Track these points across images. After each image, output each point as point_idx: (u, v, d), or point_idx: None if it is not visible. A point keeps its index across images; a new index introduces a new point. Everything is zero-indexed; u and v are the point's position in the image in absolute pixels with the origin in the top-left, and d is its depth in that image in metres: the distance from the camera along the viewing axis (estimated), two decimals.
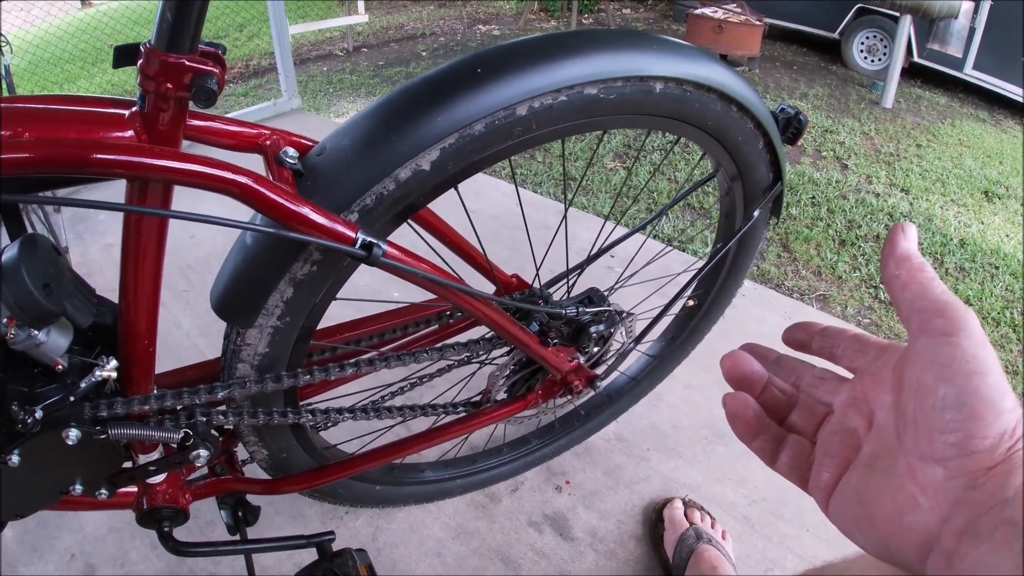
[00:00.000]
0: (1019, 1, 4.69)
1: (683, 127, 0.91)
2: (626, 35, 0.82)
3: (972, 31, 5.03)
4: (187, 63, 0.60)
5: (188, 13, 0.58)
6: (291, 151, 0.73)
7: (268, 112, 3.44)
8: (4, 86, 2.36)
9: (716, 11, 5.26)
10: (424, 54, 5.73)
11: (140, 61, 0.61)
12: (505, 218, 2.47)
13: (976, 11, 4.93)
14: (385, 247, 0.69)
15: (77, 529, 1.35)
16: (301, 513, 1.38)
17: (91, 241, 2.32)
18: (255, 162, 0.74)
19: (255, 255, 0.74)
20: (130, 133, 0.63)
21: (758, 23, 5.19)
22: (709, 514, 1.37)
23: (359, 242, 0.67)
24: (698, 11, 5.32)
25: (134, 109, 0.64)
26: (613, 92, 0.78)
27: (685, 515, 1.34)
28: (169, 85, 0.60)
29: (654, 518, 1.38)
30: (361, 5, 5.04)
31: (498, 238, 2.32)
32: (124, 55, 0.63)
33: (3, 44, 2.35)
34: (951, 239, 2.91)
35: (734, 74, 0.90)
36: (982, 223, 3.14)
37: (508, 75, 0.72)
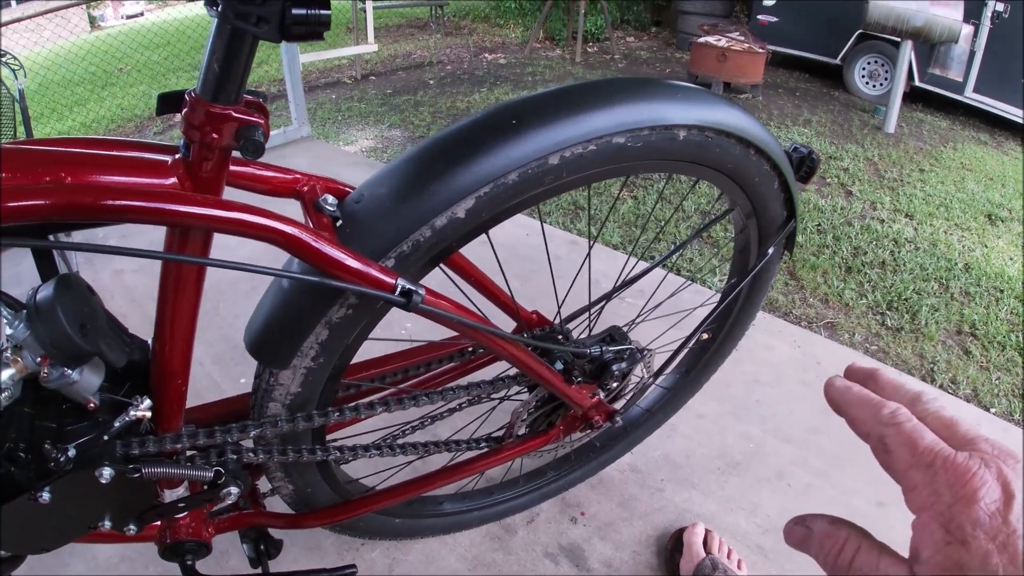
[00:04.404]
0: (1019, 23, 4.75)
1: (703, 170, 0.93)
2: (650, 84, 0.84)
3: (972, 54, 5.08)
4: (234, 114, 0.62)
5: (235, 64, 0.60)
6: (330, 198, 0.75)
7: (278, 140, 3.47)
8: (18, 110, 2.39)
9: (719, 39, 5.31)
10: (431, 82, 5.78)
11: (185, 110, 0.63)
12: (517, 248, 2.49)
13: (976, 35, 4.98)
14: (423, 293, 0.71)
15: (90, 558, 1.35)
16: (318, 544, 1.38)
17: (101, 267, 2.33)
18: (290, 207, 0.76)
19: (293, 300, 0.75)
20: (173, 180, 0.64)
21: (761, 51, 5.25)
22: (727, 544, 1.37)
23: (399, 289, 0.69)
24: (702, 40, 5.38)
25: (177, 156, 0.65)
26: (640, 140, 0.81)
27: (704, 542, 1.34)
28: (215, 135, 0.62)
29: (670, 546, 1.38)
30: (371, 34, 5.09)
31: (509, 268, 2.29)
32: (168, 103, 0.65)
33: (16, 68, 2.39)
34: (955, 264, 2.93)
35: (751, 118, 0.92)
36: (986, 246, 3.16)
37: (541, 127, 0.75)
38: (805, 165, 1.05)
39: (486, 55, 7.04)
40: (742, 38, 5.37)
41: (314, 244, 0.65)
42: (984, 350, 2.36)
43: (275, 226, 0.63)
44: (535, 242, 2.58)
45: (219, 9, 0.57)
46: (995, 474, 0.34)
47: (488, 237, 0.83)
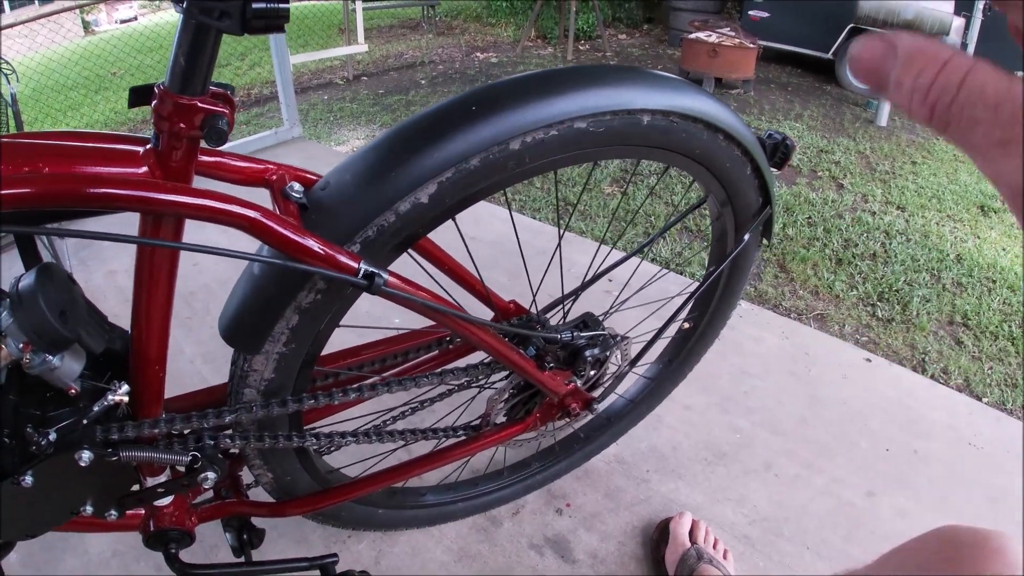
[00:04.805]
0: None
1: (671, 156, 0.94)
2: (614, 70, 0.85)
3: (964, 47, 5.09)
4: (199, 104, 0.64)
5: (200, 57, 0.62)
6: (296, 186, 0.77)
7: (270, 141, 3.48)
8: (11, 114, 2.41)
9: (710, 35, 5.33)
10: (423, 82, 5.80)
11: (154, 102, 0.65)
12: (504, 244, 2.50)
13: (968, 27, 4.99)
14: (386, 276, 0.72)
15: (82, 552, 1.37)
16: (304, 537, 1.39)
17: (95, 267, 2.35)
18: (261, 196, 0.78)
19: (262, 285, 0.77)
20: (144, 169, 0.67)
21: (752, 46, 5.26)
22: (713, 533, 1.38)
23: (361, 272, 0.71)
24: (693, 36, 5.39)
25: (148, 146, 0.68)
26: (602, 125, 0.82)
27: (691, 532, 1.36)
28: (182, 125, 0.64)
29: (656, 536, 1.39)
30: (361, 35, 5.10)
31: (497, 264, 2.35)
32: (139, 95, 0.67)
33: (8, 73, 2.41)
34: (948, 255, 2.94)
35: (720, 104, 0.93)
36: (978, 237, 3.18)
37: (501, 112, 0.76)
38: (780, 151, 1.06)
39: (478, 54, 7.06)
40: (733, 34, 5.38)
41: (278, 228, 0.67)
42: (976, 340, 2.37)
43: (239, 211, 0.65)
44: (523, 237, 2.59)
45: (184, 6, 0.59)
46: None
47: (455, 223, 0.84)
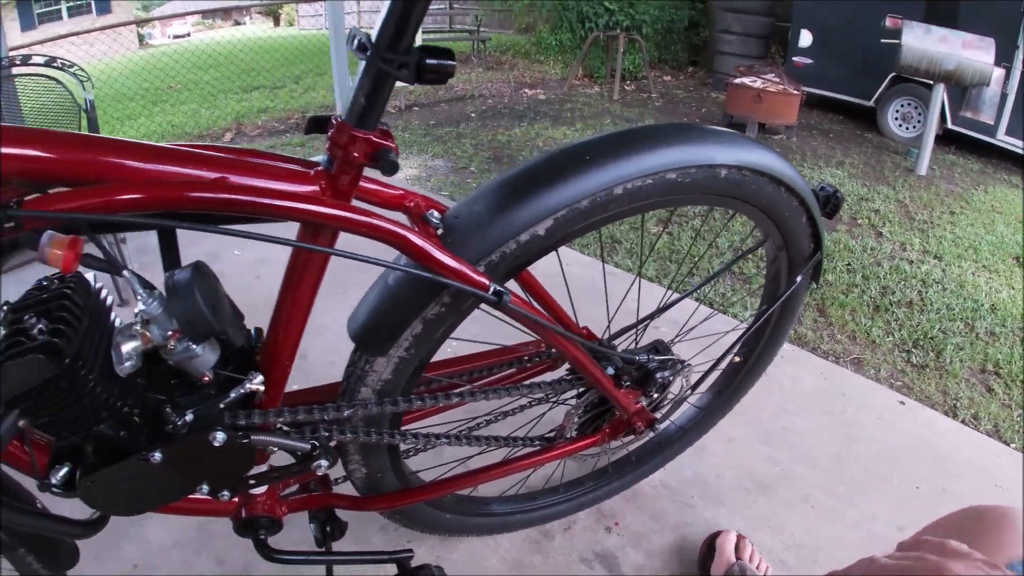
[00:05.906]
0: None
1: (740, 204, 1.07)
2: (698, 129, 0.99)
3: (1004, 97, 5.12)
4: (373, 139, 0.76)
5: (377, 99, 0.75)
6: (436, 213, 0.89)
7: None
8: (86, 120, 2.50)
9: (755, 80, 5.41)
10: (473, 115, 5.95)
11: (331, 131, 0.77)
12: (555, 278, 2.57)
13: (1008, 78, 5.03)
14: (510, 295, 0.84)
15: (142, 541, 1.43)
16: (366, 539, 1.46)
17: (154, 273, 2.44)
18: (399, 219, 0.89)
19: (398, 294, 0.90)
20: (315, 188, 0.78)
21: (795, 92, 5.34)
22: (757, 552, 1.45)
23: (492, 289, 0.84)
24: (738, 80, 5.48)
25: (319, 168, 0.79)
26: (688, 177, 0.95)
27: (737, 548, 1.42)
28: (356, 154, 0.76)
29: (703, 551, 1.46)
30: None
31: (553, 294, 2.39)
32: (316, 124, 0.81)
33: (84, 80, 2.50)
34: (982, 304, 2.96)
35: (782, 159, 1.06)
36: (1013, 288, 3.19)
37: (609, 162, 0.90)
38: (831, 203, 1.19)
39: (526, 90, 7.23)
40: (777, 79, 5.46)
41: (425, 246, 0.79)
42: (1007, 388, 2.39)
43: (394, 229, 0.78)
44: (575, 272, 2.67)
45: (368, 54, 0.71)
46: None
47: (557, 254, 0.97)
